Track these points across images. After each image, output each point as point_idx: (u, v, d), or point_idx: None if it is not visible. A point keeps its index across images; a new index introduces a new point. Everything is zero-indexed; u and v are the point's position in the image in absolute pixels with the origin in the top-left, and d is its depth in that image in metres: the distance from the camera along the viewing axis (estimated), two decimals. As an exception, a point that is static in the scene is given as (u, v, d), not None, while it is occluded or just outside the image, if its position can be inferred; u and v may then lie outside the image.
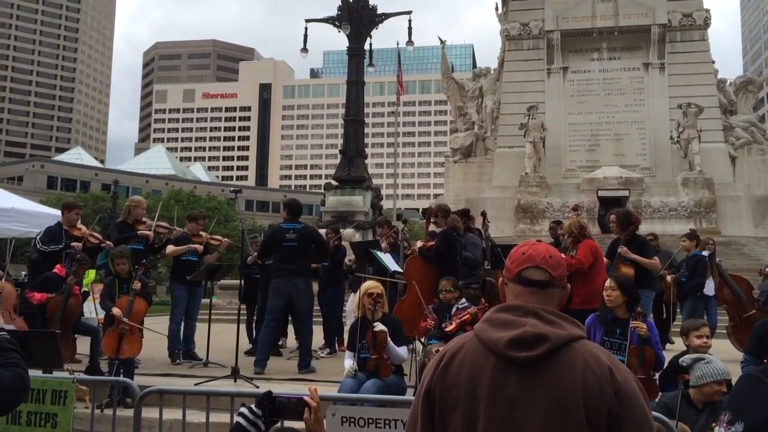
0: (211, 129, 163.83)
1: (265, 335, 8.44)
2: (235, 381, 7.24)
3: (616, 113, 31.03)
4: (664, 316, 11.39)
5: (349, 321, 10.65)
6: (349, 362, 6.17)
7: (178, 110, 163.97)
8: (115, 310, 7.23)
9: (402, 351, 6.13)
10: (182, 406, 4.78)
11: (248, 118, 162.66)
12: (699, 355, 4.54)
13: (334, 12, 20.39)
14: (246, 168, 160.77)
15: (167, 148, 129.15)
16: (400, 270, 8.73)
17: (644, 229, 10.64)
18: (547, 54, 31.86)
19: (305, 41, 20.58)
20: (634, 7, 31.24)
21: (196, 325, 9.59)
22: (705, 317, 9.70)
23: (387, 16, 20.49)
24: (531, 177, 29.61)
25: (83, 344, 8.02)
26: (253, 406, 2.33)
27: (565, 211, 25.24)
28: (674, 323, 11.04)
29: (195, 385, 6.70)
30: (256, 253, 9.84)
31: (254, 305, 10.48)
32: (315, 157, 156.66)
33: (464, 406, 1.88)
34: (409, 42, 21.29)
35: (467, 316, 6.52)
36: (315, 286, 10.04)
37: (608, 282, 5.83)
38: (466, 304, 6.90)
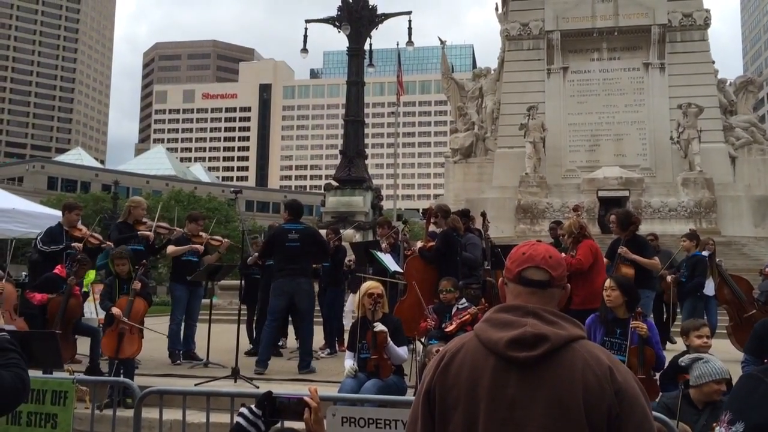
0: (211, 129, 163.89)
1: (267, 336, 8.45)
2: (236, 381, 7.24)
3: (616, 113, 31.04)
4: (665, 316, 11.38)
5: (346, 321, 10.69)
6: (349, 362, 6.17)
7: (178, 111, 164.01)
8: (115, 310, 7.23)
9: (402, 351, 6.13)
10: (182, 407, 4.78)
11: (248, 119, 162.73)
12: (697, 355, 4.54)
13: (334, 12, 20.40)
14: (246, 168, 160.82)
15: (167, 149, 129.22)
16: (400, 270, 8.74)
17: (644, 229, 10.64)
18: (547, 54, 31.86)
19: (305, 41, 20.58)
20: (634, 7, 31.24)
21: (196, 326, 9.59)
22: (705, 317, 9.70)
23: (387, 16, 20.48)
24: (531, 177, 29.61)
25: (83, 345, 8.02)
26: (253, 406, 2.33)
27: (565, 212, 25.25)
28: (675, 323, 11.04)
29: (195, 385, 6.69)
30: (256, 254, 9.85)
31: (254, 306, 10.49)
32: (315, 157, 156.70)
33: (464, 407, 1.88)
34: (409, 42, 21.28)
35: (467, 316, 6.52)
36: (315, 287, 10.03)
37: (608, 282, 5.83)
38: (466, 304, 6.90)
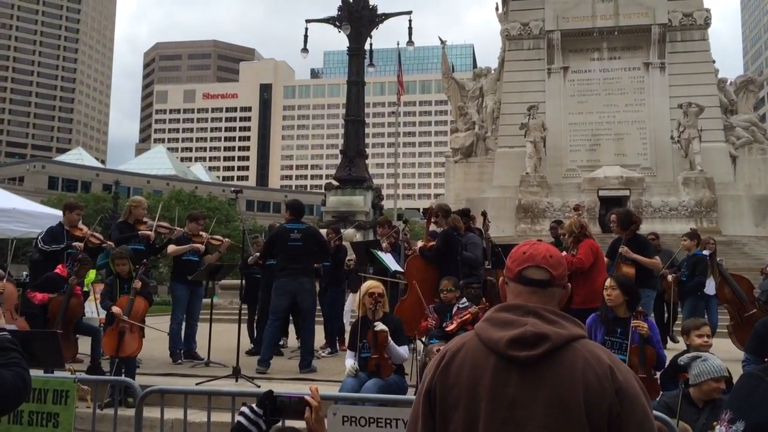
0: (212, 129, 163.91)
1: (269, 335, 8.47)
2: (237, 380, 7.24)
3: (617, 113, 31.03)
4: (666, 315, 11.39)
5: (345, 320, 10.71)
6: (350, 362, 6.18)
7: (178, 110, 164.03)
8: (115, 309, 7.24)
9: (403, 350, 6.14)
10: (183, 406, 4.78)
11: (249, 119, 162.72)
12: (696, 354, 4.55)
13: (334, 12, 20.40)
14: (247, 168, 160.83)
15: (168, 149, 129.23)
16: (400, 270, 8.74)
17: (645, 228, 10.64)
18: (547, 54, 31.85)
19: (305, 41, 20.58)
20: (634, 7, 31.23)
21: (197, 325, 9.59)
22: (706, 316, 9.70)
23: (387, 16, 20.48)
24: (532, 177, 29.60)
25: (84, 344, 8.02)
26: (254, 405, 2.33)
27: (566, 211, 25.25)
28: (676, 323, 11.04)
29: (196, 384, 6.70)
30: (257, 254, 9.85)
31: (255, 305, 10.49)
32: (316, 157, 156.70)
33: (465, 406, 1.88)
34: (410, 42, 21.28)
35: (468, 315, 6.52)
36: (316, 286, 10.04)
37: (608, 281, 5.83)
38: (466, 303, 6.90)
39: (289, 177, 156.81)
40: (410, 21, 20.49)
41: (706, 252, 10.47)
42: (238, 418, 2.33)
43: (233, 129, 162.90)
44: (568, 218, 9.38)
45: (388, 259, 8.88)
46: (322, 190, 22.77)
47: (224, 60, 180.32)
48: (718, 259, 10.77)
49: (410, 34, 20.82)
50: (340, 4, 20.10)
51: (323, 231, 10.81)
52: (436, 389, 1.95)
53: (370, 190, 20.38)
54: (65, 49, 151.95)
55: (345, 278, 10.84)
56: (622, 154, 30.67)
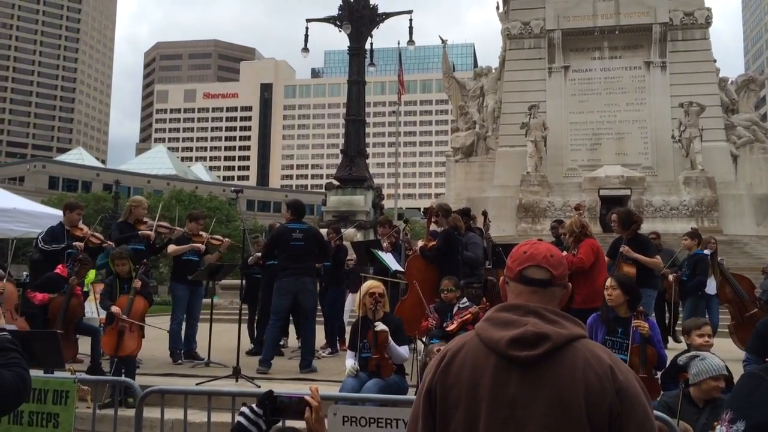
0: (213, 129, 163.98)
1: (271, 336, 8.48)
2: (237, 381, 7.24)
3: (618, 112, 31.01)
4: (667, 315, 11.38)
5: (345, 319, 10.72)
6: (350, 362, 6.17)
7: (179, 110, 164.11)
8: (114, 308, 7.23)
9: (403, 350, 6.13)
10: (184, 406, 4.78)
11: (249, 118, 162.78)
12: (694, 353, 4.55)
13: (334, 12, 20.42)
14: (247, 168, 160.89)
15: (168, 148, 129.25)
16: (401, 269, 8.74)
17: (646, 228, 10.62)
18: (548, 53, 31.83)
19: (306, 41, 20.58)
20: (635, 6, 31.21)
21: (197, 325, 9.59)
22: (707, 316, 9.69)
23: (388, 15, 20.48)
24: (532, 176, 29.59)
25: (85, 344, 8.02)
26: (254, 405, 2.33)
27: (566, 211, 25.22)
28: (678, 322, 11.04)
29: (196, 384, 6.69)
30: (257, 254, 9.85)
31: (256, 305, 10.49)
32: (316, 156, 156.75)
33: (465, 406, 1.88)
34: (410, 41, 21.28)
35: (468, 315, 6.52)
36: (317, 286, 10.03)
37: (609, 281, 5.83)
38: (467, 303, 6.90)
39: (290, 177, 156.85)
40: (411, 20, 20.51)
41: (707, 251, 10.46)
42: (238, 418, 2.32)
43: (234, 129, 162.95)
44: (569, 218, 9.37)
45: (389, 259, 8.87)
46: (323, 190, 22.78)
47: (225, 59, 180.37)
48: (719, 258, 10.75)
49: (411, 33, 20.84)
50: (341, 3, 20.11)
51: (324, 231, 10.81)
52: (436, 389, 1.94)
53: (370, 189, 20.39)
54: (66, 49, 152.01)
55: (345, 278, 10.84)
56: (623, 154, 30.64)
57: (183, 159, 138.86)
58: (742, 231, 27.19)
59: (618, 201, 27.10)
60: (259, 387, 6.64)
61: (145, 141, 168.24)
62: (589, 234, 7.65)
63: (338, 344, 10.38)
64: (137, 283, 7.44)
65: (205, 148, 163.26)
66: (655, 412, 3.02)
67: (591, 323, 5.80)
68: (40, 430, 4.63)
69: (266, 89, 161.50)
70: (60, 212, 10.56)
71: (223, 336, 9.47)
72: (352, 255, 10.79)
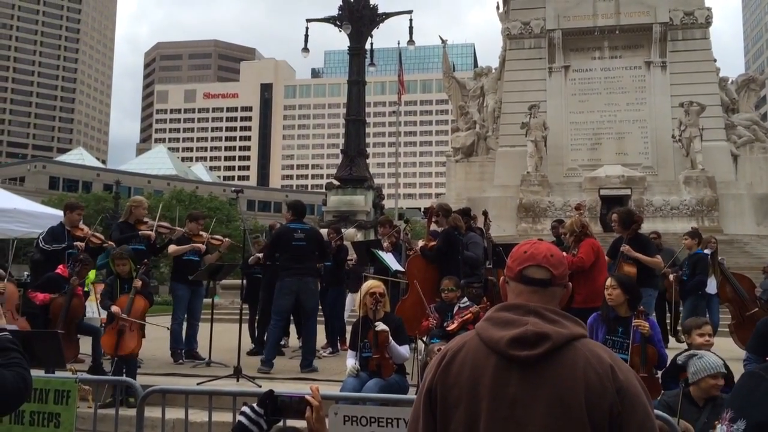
0: (213, 129, 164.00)
1: (273, 336, 8.49)
2: (238, 380, 7.24)
3: (618, 112, 31.00)
4: (668, 314, 11.37)
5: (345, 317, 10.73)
6: (351, 361, 6.17)
7: (179, 110, 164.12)
8: (114, 308, 7.24)
9: (404, 350, 6.13)
10: (185, 406, 4.79)
11: (250, 118, 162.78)
12: (692, 352, 4.56)
13: (335, 12, 20.42)
14: (247, 168, 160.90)
15: (169, 149, 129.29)
16: (401, 269, 8.74)
17: (646, 227, 10.62)
18: (548, 53, 31.82)
19: (306, 41, 20.58)
20: (635, 6, 31.20)
21: (198, 325, 9.60)
22: (707, 315, 9.70)
23: (388, 15, 20.47)
24: (533, 176, 29.58)
25: (86, 344, 8.03)
26: (255, 405, 2.33)
27: (567, 210, 25.22)
28: (680, 322, 11.03)
29: (197, 384, 6.70)
30: (258, 254, 9.86)
31: (256, 305, 10.49)
32: (316, 156, 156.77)
33: (466, 405, 1.88)
34: (410, 41, 21.27)
35: (469, 315, 6.52)
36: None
37: (609, 281, 5.83)
38: (467, 303, 6.91)
39: (290, 177, 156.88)
40: (411, 20, 20.50)
41: (707, 251, 10.46)
42: (239, 417, 2.33)
43: (234, 129, 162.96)
44: (570, 217, 9.37)
45: (389, 259, 8.88)
46: (323, 190, 22.78)
47: (225, 60, 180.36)
48: (719, 258, 10.76)
49: (411, 33, 20.83)
50: (341, 3, 20.10)
51: (324, 231, 10.82)
52: (436, 389, 1.94)
53: (371, 189, 20.39)
54: (66, 49, 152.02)
55: (346, 278, 10.85)
56: (624, 153, 30.63)
57: (183, 159, 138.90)
58: (742, 230, 27.19)
59: (618, 201, 27.09)
60: (260, 387, 6.64)
61: (145, 141, 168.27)
62: (590, 234, 7.66)
63: (339, 344, 10.38)
64: (138, 283, 7.44)
65: (206, 148, 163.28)
66: (656, 411, 3.02)
67: (591, 323, 5.80)
68: (42, 430, 4.63)
69: (266, 89, 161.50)
70: (60, 212, 10.56)
71: (224, 336, 9.48)
72: (352, 255, 10.80)
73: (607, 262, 7.75)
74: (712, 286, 10.25)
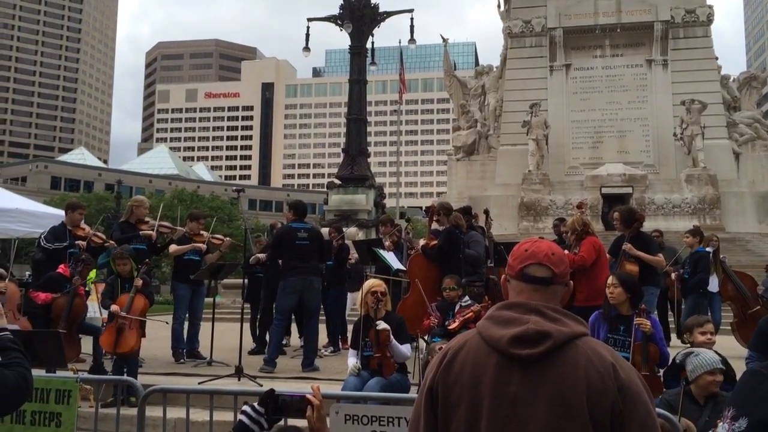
0: (214, 128, 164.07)
1: (276, 335, 8.50)
2: (239, 380, 7.25)
3: (619, 110, 30.96)
4: (671, 313, 11.36)
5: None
6: (352, 360, 6.18)
7: (180, 110, 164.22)
8: (114, 306, 7.24)
9: (405, 349, 6.13)
10: (186, 405, 4.79)
11: (251, 118, 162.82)
12: (689, 350, 4.55)
13: (335, 11, 20.40)
14: (249, 167, 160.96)
15: (170, 148, 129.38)
16: (403, 268, 8.74)
17: (648, 225, 10.62)
18: (549, 51, 31.79)
19: (307, 40, 20.57)
20: (636, 4, 31.15)
21: (200, 324, 9.60)
22: (709, 313, 9.69)
23: (389, 14, 20.46)
24: (534, 174, 29.56)
25: (87, 344, 8.04)
26: (256, 404, 2.33)
27: (568, 209, 25.18)
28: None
29: (199, 383, 6.71)
30: (259, 254, 9.86)
31: (258, 304, 10.49)
32: (318, 156, 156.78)
33: (467, 404, 1.88)
34: (411, 40, 21.24)
35: (470, 313, 6.52)
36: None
37: (610, 279, 5.82)
38: (469, 301, 6.90)
39: (292, 176, 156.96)
40: (412, 19, 20.48)
41: (709, 249, 10.45)
42: (240, 416, 2.32)
43: (235, 128, 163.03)
44: (571, 216, 9.36)
45: (391, 258, 8.88)
46: (325, 189, 22.79)
47: (226, 59, 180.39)
48: (721, 256, 10.75)
49: (412, 32, 20.80)
50: (342, 2, 20.09)
51: (325, 230, 10.83)
52: (438, 387, 1.94)
53: (372, 188, 20.38)
54: (67, 49, 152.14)
55: (347, 277, 10.85)
56: (625, 152, 30.59)
57: (185, 159, 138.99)
58: (744, 228, 27.16)
59: (620, 199, 27.05)
60: (261, 386, 6.64)
61: (146, 141, 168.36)
62: (591, 232, 7.65)
63: (340, 343, 10.39)
64: (138, 282, 7.44)
65: (207, 148, 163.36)
66: (658, 409, 3.02)
67: (593, 321, 5.80)
68: (43, 430, 4.64)
69: (268, 89, 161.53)
70: (62, 212, 10.57)
71: (226, 335, 9.48)
72: (355, 253, 10.80)
73: (608, 261, 7.74)
74: (713, 284, 10.25)
